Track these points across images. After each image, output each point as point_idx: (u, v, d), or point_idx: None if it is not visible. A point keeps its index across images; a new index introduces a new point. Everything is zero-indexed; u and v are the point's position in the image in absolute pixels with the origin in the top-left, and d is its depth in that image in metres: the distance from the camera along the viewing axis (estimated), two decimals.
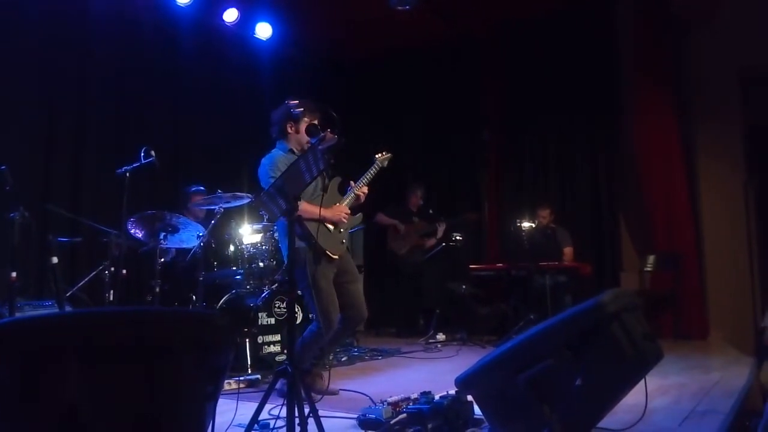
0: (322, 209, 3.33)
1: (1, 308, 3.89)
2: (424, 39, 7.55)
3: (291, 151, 3.75)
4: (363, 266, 6.92)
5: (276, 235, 4.82)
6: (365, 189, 3.86)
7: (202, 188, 5.32)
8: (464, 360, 4.91)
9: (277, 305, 4.71)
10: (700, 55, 6.62)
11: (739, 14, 6.32)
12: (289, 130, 3.73)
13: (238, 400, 2.87)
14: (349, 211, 3.77)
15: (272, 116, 3.81)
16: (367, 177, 3.90)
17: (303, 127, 3.67)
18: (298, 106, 3.70)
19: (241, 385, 3.79)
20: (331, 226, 3.68)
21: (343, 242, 3.75)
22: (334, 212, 3.66)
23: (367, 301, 6.87)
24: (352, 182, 3.85)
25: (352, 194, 3.82)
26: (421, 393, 2.92)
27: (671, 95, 6.53)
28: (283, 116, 3.75)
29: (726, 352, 5.41)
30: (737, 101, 6.50)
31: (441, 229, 6.93)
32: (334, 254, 3.65)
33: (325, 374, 3.75)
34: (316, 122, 3.69)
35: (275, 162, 3.64)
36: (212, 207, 4.68)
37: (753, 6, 6.16)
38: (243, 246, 4.87)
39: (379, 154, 4.05)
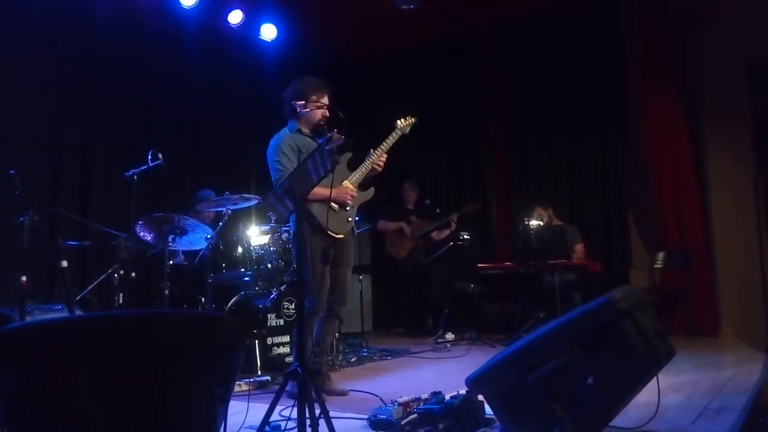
0: (325, 188, 3.28)
1: (12, 312, 3.91)
2: (429, 37, 7.55)
3: (299, 131, 3.74)
4: (370, 266, 6.93)
5: (284, 236, 4.83)
6: (383, 157, 3.81)
7: (209, 193, 5.33)
8: (474, 359, 4.89)
9: (285, 306, 4.71)
10: (706, 49, 6.56)
11: (744, 7, 6.27)
12: (298, 110, 3.73)
13: (248, 402, 2.87)
14: (354, 191, 3.74)
15: (282, 95, 3.80)
16: (387, 144, 3.84)
17: (312, 105, 3.67)
18: (305, 84, 3.70)
19: (251, 387, 3.79)
20: (336, 206, 3.65)
21: (349, 220, 3.74)
22: (338, 192, 3.62)
23: (375, 301, 6.93)
24: (372, 149, 3.80)
25: (368, 166, 3.77)
26: (431, 393, 2.91)
27: (678, 90, 6.49)
28: (291, 94, 3.74)
29: (738, 349, 5.36)
30: (745, 96, 6.45)
31: (454, 220, 6.90)
32: (337, 234, 3.65)
33: (331, 374, 3.76)
34: (325, 98, 3.68)
35: (279, 145, 3.64)
36: (220, 209, 4.68)
37: None
38: (251, 247, 4.87)
39: (401, 120, 3.98)
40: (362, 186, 3.84)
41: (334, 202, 3.62)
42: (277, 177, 3.60)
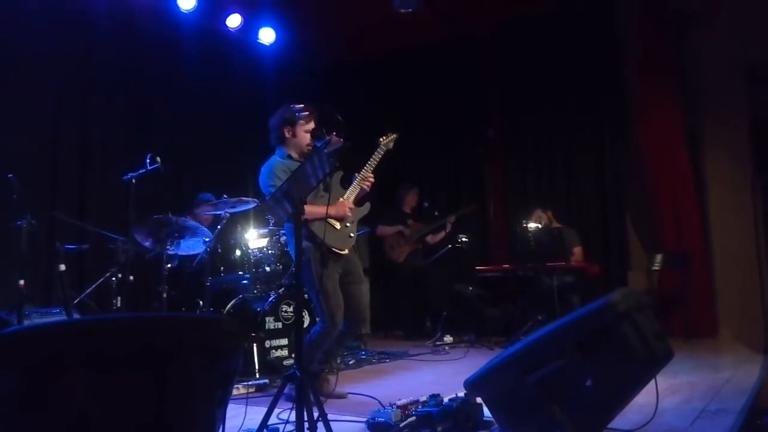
0: (323, 207, 3.28)
1: (10, 316, 3.91)
2: (427, 40, 7.55)
3: (289, 156, 3.74)
4: (368, 270, 6.92)
5: (283, 239, 4.83)
6: (371, 178, 3.82)
7: (209, 196, 5.33)
8: (472, 362, 4.88)
9: (284, 309, 4.71)
10: (705, 49, 6.57)
11: (743, 7, 6.29)
12: (287, 135, 3.73)
13: (246, 405, 2.87)
14: (352, 205, 3.75)
15: (269, 123, 3.81)
16: (373, 163, 3.84)
17: (300, 130, 3.69)
18: (292, 110, 3.71)
19: (250, 390, 3.79)
20: (337, 223, 3.66)
21: (351, 236, 3.74)
22: (338, 209, 3.63)
23: (373, 304, 6.93)
24: (357, 174, 3.82)
25: (356, 185, 3.79)
26: (429, 396, 2.91)
27: (676, 92, 6.50)
28: (279, 122, 3.75)
29: (736, 350, 5.37)
30: (743, 96, 6.46)
31: (450, 223, 6.92)
32: (341, 250, 3.65)
33: (332, 378, 3.76)
34: (312, 123, 3.69)
35: (273, 170, 3.64)
36: (218, 212, 4.68)
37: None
38: (249, 250, 4.87)
39: (383, 137, 3.98)
40: (357, 203, 3.86)
41: (334, 218, 3.63)
42: None
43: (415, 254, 7.05)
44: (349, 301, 3.70)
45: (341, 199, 3.72)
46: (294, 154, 3.75)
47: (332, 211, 3.52)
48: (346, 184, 3.84)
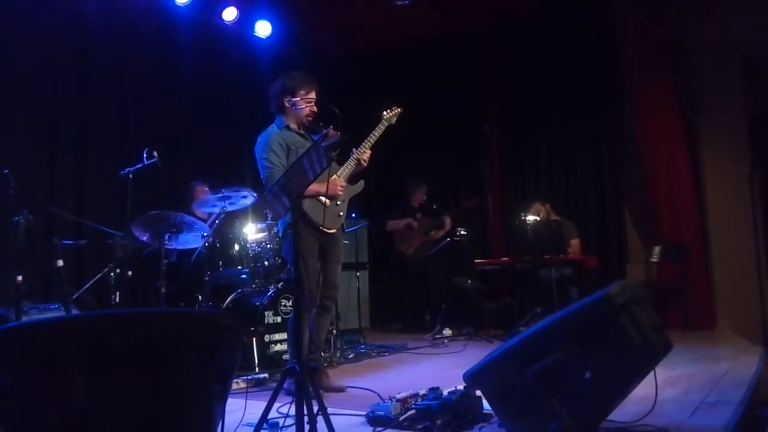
0: (316, 184, 3.22)
1: (8, 312, 3.90)
2: (424, 33, 7.52)
3: (288, 127, 3.69)
4: (368, 263, 6.93)
5: (281, 233, 4.82)
6: (368, 153, 3.77)
7: (199, 182, 5.39)
8: (471, 355, 4.90)
9: (283, 303, 4.70)
10: (702, 45, 6.58)
11: (740, 3, 6.28)
12: (287, 104, 3.68)
13: (246, 399, 2.87)
14: (344, 183, 3.71)
15: (270, 90, 3.76)
16: (374, 137, 3.80)
17: (300, 100, 3.64)
18: (293, 79, 3.67)
19: (249, 385, 3.79)
20: (327, 201, 3.62)
21: (340, 215, 3.72)
22: (329, 186, 3.56)
23: (373, 298, 6.95)
24: (354, 149, 3.78)
25: (353, 161, 3.75)
26: (429, 389, 2.91)
27: (674, 86, 6.50)
28: (279, 90, 3.70)
29: (734, 342, 5.39)
30: (740, 91, 6.47)
31: (448, 221, 6.94)
32: (329, 229, 3.63)
33: (329, 371, 3.76)
34: (313, 93, 3.66)
35: (268, 142, 3.60)
36: (215, 207, 4.67)
37: None
38: (248, 245, 4.86)
39: (387, 111, 3.94)
40: (351, 180, 3.81)
41: (325, 196, 3.60)
42: (266, 175, 3.57)
43: (424, 246, 7.08)
44: (325, 279, 3.69)
45: (334, 176, 3.64)
46: (293, 125, 3.71)
47: (322, 188, 3.47)
48: (342, 159, 3.79)
